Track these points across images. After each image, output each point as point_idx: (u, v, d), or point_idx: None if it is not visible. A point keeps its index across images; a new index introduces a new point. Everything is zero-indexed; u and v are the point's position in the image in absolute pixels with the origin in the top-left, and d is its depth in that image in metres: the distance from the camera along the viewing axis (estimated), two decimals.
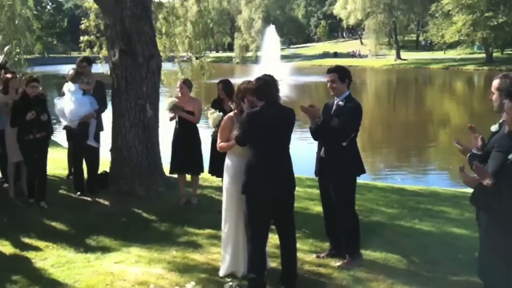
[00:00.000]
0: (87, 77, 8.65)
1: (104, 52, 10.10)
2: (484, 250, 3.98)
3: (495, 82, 4.10)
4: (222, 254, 5.39)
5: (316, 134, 5.57)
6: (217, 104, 7.15)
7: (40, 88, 8.00)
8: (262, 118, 4.80)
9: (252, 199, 4.87)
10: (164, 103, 7.86)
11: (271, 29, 54.93)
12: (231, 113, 5.31)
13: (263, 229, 4.95)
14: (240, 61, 62.95)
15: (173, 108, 7.69)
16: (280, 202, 4.98)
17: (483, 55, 53.20)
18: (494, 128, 4.10)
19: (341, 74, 5.55)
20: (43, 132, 7.80)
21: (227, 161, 5.26)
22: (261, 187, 4.81)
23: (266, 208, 4.89)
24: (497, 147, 3.82)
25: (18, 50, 10.85)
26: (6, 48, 10.08)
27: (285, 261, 5.07)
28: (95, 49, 10.54)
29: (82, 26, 10.57)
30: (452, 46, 54.19)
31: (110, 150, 8.69)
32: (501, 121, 4.01)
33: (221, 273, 5.29)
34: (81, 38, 10.64)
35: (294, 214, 5.28)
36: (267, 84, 4.96)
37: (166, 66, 12.39)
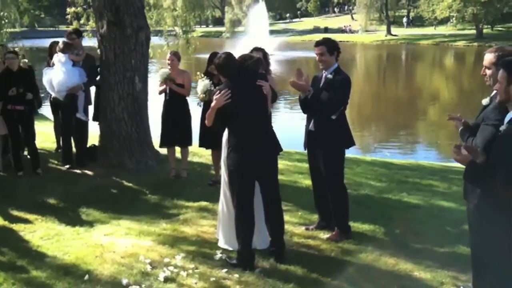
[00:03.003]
0: (77, 49, 8.57)
1: (92, 24, 9.94)
2: (476, 226, 3.99)
3: (490, 57, 3.98)
4: (221, 228, 5.40)
5: (305, 106, 5.56)
6: (207, 77, 7.13)
7: (26, 61, 7.91)
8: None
9: (233, 173, 4.89)
10: (157, 74, 7.80)
11: (260, 4, 54.39)
12: None
13: (248, 202, 4.92)
14: (230, 35, 62.42)
15: (166, 79, 7.63)
16: (262, 172, 4.97)
17: (473, 31, 53.15)
18: (485, 101, 4.08)
19: (330, 47, 5.51)
20: (24, 105, 7.72)
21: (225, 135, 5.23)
22: (239, 162, 4.82)
23: (248, 181, 4.90)
24: (486, 120, 3.83)
25: (3, 23, 10.64)
26: None
27: (272, 231, 5.09)
28: (82, 21, 10.34)
29: None
30: (442, 22, 54.09)
31: (99, 123, 8.64)
32: (492, 94, 3.99)
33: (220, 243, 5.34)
34: (68, 9, 10.43)
35: (284, 188, 5.30)
36: (228, 60, 4.94)
37: (152, 40, 12.19)
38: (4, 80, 7.59)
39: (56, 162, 8.66)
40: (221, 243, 5.33)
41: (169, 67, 7.82)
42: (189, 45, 11.13)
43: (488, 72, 4.01)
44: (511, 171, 3.45)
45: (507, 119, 3.62)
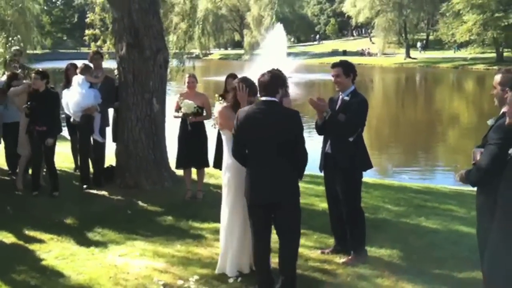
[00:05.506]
0: (96, 71, 8.66)
1: (109, 45, 10.09)
2: (491, 245, 3.92)
3: (497, 77, 4.11)
4: (223, 251, 5.22)
5: (322, 128, 5.52)
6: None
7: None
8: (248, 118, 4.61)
9: (247, 202, 4.76)
10: (182, 105, 7.66)
11: (278, 26, 54.74)
12: (226, 105, 5.26)
13: (259, 232, 4.71)
14: (249, 58, 62.96)
15: (192, 113, 7.60)
16: (273, 210, 4.65)
17: (494, 55, 52.81)
18: (490, 122, 4.11)
19: (346, 69, 5.50)
20: (44, 126, 7.80)
21: (227, 158, 5.16)
22: (250, 191, 4.66)
23: (256, 213, 4.67)
24: (489, 139, 3.88)
25: (23, 45, 10.86)
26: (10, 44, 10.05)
27: (280, 270, 4.71)
28: (98, 43, 10.50)
29: (88, 20, 10.55)
30: (462, 45, 53.91)
31: (116, 144, 8.70)
32: (500, 113, 4.01)
33: (228, 272, 5.11)
34: (86, 31, 10.62)
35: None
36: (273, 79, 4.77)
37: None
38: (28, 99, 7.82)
39: (73, 182, 8.72)
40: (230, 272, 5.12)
41: (187, 88, 7.86)
42: (184, 68, 11.10)
43: (494, 91, 4.09)
44: None
45: None
